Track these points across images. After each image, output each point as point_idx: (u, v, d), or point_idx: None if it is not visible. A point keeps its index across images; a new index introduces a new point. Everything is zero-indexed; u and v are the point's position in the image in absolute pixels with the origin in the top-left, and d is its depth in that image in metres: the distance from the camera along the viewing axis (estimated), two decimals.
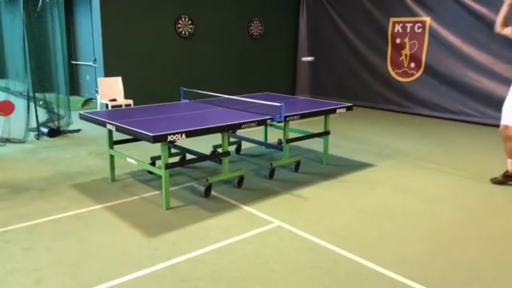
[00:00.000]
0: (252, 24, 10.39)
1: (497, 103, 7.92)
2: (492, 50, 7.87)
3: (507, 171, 4.97)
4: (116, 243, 3.45)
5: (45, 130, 6.85)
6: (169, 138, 3.83)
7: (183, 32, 9.27)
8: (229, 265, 3.14)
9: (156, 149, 4.47)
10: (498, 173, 5.23)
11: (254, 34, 10.48)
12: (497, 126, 7.74)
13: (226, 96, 5.87)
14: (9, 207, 4.08)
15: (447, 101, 8.62)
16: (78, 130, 7.20)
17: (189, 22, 9.32)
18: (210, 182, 4.44)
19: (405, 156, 6.02)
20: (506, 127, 4.90)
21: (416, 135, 7.33)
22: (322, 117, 5.48)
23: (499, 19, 4.84)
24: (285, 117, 4.70)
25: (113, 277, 2.95)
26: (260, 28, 10.54)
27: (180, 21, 9.20)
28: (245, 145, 6.12)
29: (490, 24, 7.47)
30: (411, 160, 5.85)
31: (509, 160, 4.91)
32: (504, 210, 4.22)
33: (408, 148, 6.41)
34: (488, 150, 6.32)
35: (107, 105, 7.84)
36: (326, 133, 5.52)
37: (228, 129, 4.53)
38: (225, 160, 4.55)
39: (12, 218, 3.85)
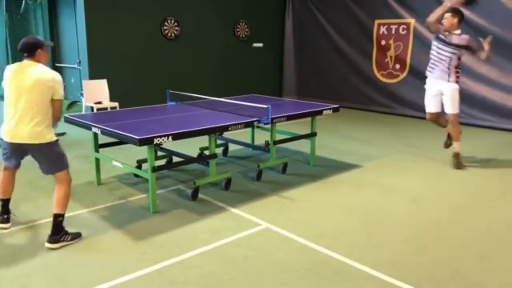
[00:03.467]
0: (238, 26, 10.39)
1: (481, 104, 8.09)
2: None
3: None
4: (103, 247, 3.42)
5: None
6: (156, 141, 3.81)
7: (169, 34, 9.23)
8: (218, 268, 3.13)
9: (143, 152, 4.44)
10: (483, 174, 5.31)
11: (241, 36, 10.48)
12: (483, 126, 7.96)
13: (213, 98, 5.87)
14: None
15: None
16: (63, 134, 7.11)
17: (175, 24, 9.28)
18: (198, 185, 4.42)
19: (390, 157, 6.08)
20: None
21: (402, 136, 7.40)
22: (309, 119, 5.51)
23: (437, 15, 5.33)
24: (272, 119, 4.71)
25: (101, 281, 2.92)
26: (246, 30, 10.55)
27: (166, 23, 9.16)
28: (232, 147, 6.12)
29: (473, 26, 7.58)
30: (397, 161, 5.90)
31: None
32: (488, 208, 4.28)
33: (393, 149, 6.47)
34: (472, 151, 6.39)
35: (92, 108, 7.77)
36: (313, 134, 5.54)
37: (215, 131, 4.53)
38: (212, 162, 4.54)
39: None
